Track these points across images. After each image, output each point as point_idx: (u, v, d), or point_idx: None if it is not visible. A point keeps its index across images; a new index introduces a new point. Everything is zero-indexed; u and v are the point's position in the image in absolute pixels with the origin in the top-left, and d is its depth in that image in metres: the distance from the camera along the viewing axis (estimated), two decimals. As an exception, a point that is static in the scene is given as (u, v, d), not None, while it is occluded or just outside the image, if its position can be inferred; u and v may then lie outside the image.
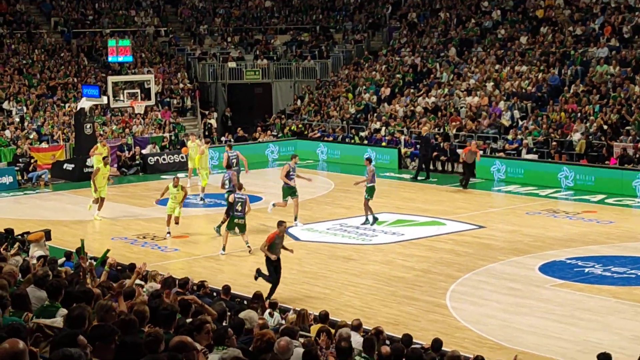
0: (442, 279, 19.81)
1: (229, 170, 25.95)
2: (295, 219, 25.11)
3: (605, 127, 32.73)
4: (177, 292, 13.75)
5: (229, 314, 11.96)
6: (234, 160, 27.50)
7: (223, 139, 40.50)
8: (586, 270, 20.32)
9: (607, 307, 17.61)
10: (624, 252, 21.79)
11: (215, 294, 16.15)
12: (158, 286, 13.84)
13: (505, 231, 24.40)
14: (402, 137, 37.44)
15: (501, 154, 34.06)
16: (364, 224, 24.89)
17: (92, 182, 26.48)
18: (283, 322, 14.19)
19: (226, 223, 22.62)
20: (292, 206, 25.14)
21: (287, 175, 25.09)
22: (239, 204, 21.93)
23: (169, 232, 24.22)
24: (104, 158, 27.68)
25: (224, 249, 22.28)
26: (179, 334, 8.04)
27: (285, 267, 21.15)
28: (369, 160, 25.88)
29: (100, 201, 26.65)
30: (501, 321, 16.82)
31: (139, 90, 34.85)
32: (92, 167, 29.66)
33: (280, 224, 18.83)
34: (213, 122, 42.76)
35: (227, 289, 15.09)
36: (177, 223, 24.08)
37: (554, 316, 17.14)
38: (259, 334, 8.73)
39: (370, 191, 24.81)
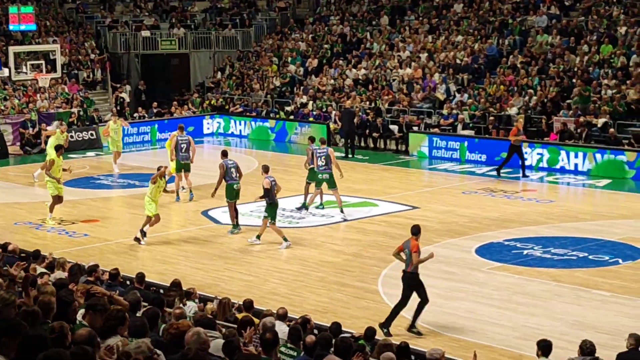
0: (374, 263, 19.93)
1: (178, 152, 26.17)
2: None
3: (545, 100, 33.24)
4: (86, 280, 13.58)
5: (145, 304, 11.85)
6: (184, 146, 26.58)
7: (136, 114, 40.08)
8: (525, 252, 20.65)
9: (547, 290, 17.93)
10: (565, 233, 22.19)
11: (128, 282, 16.01)
12: (65, 275, 13.65)
13: (440, 212, 24.65)
14: (333, 113, 37.50)
15: (436, 129, 34.37)
16: (301, 208, 24.93)
17: (48, 178, 23.66)
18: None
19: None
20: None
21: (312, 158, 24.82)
22: (232, 168, 22.57)
23: (139, 239, 21.77)
24: (58, 148, 24.72)
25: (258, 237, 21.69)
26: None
27: (205, 252, 21.13)
28: (312, 139, 25.85)
29: (56, 201, 23.86)
30: (436, 307, 16.97)
31: (43, 62, 34.28)
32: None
33: (417, 230, 16.08)
34: (125, 96, 42.27)
35: (140, 277, 14.96)
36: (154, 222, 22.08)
37: (491, 301, 17.38)
38: (173, 325, 8.67)
39: (311, 174, 24.78)
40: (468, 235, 22.12)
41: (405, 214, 24.42)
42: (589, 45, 35.44)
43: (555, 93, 33.44)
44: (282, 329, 11.82)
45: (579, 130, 31.07)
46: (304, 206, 24.80)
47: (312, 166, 24.62)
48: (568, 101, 32.96)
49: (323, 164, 24.08)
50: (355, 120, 34.95)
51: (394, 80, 38.69)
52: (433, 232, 22.36)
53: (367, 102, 37.64)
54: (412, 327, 15.65)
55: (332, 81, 40.21)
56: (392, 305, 17.10)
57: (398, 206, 25.40)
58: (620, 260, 19.76)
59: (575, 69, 34.45)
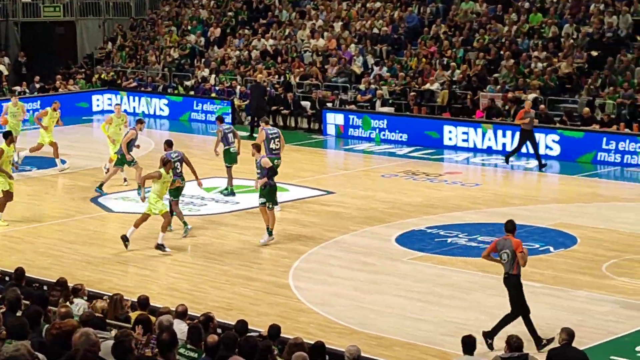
0: (285, 255, 19.92)
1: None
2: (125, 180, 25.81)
3: (470, 74, 33.60)
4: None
5: (26, 302, 11.64)
6: (230, 135, 24.99)
7: (16, 89, 39.33)
8: (449, 240, 20.86)
9: (473, 282, 18.13)
10: (491, 219, 22.46)
11: (7, 278, 15.71)
12: None
13: (358, 197, 24.75)
14: (237, 87, 37.33)
15: (352, 106, 34.47)
16: (224, 193, 24.74)
17: None
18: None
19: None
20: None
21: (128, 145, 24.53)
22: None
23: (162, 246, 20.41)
24: (7, 136, 22.92)
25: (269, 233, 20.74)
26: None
27: (95, 245, 20.87)
28: (220, 119, 25.64)
29: (5, 197, 22.38)
30: (352, 301, 17.06)
31: None
32: None
33: (513, 227, 15.60)
34: (3, 69, 41.45)
35: (20, 272, 14.67)
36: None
37: (412, 294, 17.51)
38: (56, 325, 8.52)
39: (227, 156, 24.61)
40: (388, 223, 22.24)
41: (319, 200, 24.46)
42: (517, 13, 35.91)
43: (481, 66, 33.81)
44: (181, 328, 11.72)
45: (507, 107, 31.48)
46: (231, 192, 24.73)
47: (227, 147, 24.55)
48: (495, 75, 33.37)
49: (277, 147, 23.48)
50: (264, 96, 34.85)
51: (305, 51, 38.66)
52: (350, 220, 22.44)
53: (276, 76, 37.55)
54: (490, 337, 14.93)
55: (236, 52, 40.01)
56: (304, 300, 17.13)
57: (311, 191, 25.43)
58: (551, 249, 20.09)
59: (503, 40, 34.88)
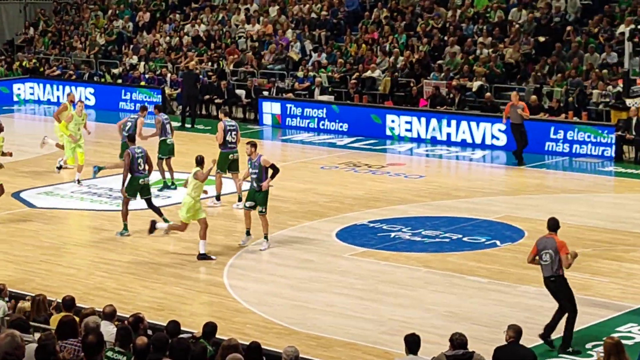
0: (219, 252, 19.86)
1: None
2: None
3: (413, 61, 33.73)
4: None
5: None
6: (167, 125, 24.90)
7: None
8: (392, 235, 20.93)
9: (417, 278, 18.22)
10: (436, 212, 22.60)
11: None
12: None
13: (296, 190, 24.75)
14: (168, 75, 37.13)
15: (290, 94, 34.45)
16: (162, 189, 24.59)
17: None
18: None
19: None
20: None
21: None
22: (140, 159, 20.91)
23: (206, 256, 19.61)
24: None
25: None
26: None
27: (16, 242, 20.66)
28: (159, 108, 25.45)
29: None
30: (290, 300, 17.05)
31: None
32: None
33: (557, 225, 15.32)
34: None
35: None
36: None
37: (354, 292, 17.54)
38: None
39: (163, 147, 24.44)
40: (328, 217, 22.28)
41: (254, 193, 24.40)
42: (462, -3, 36.13)
43: (425, 53, 33.96)
44: (108, 330, 11.65)
45: (451, 95, 31.67)
46: (168, 186, 24.61)
47: (164, 138, 24.47)
48: (439, 62, 33.54)
49: (233, 140, 23.23)
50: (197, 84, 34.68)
51: (240, 37, 38.55)
52: (288, 214, 22.44)
53: (209, 64, 37.41)
54: (567, 347, 14.78)
55: (167, 38, 39.78)
56: (240, 299, 17.11)
57: (246, 184, 25.33)
58: (498, 242, 20.24)
59: (447, 25, 35.07)
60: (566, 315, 14.89)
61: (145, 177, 21.03)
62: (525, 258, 18.85)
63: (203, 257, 19.32)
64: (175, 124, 29.99)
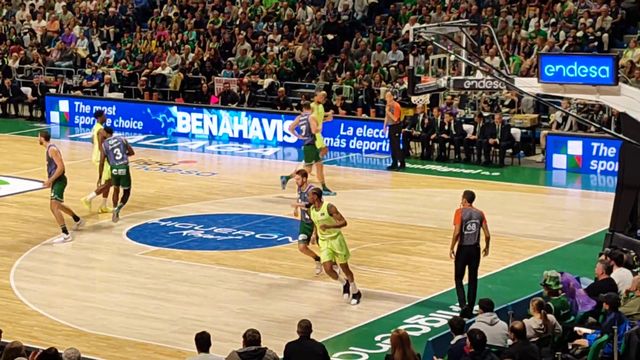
0: (5, 253, 19.44)
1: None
2: None
3: (203, 58, 33.70)
4: None
5: None
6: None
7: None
8: (184, 233, 20.90)
9: (210, 276, 18.25)
10: (229, 209, 22.68)
11: None
12: None
13: (85, 189, 24.31)
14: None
15: (78, 92, 33.89)
16: None
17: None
18: None
19: None
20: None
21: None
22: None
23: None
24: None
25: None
26: None
27: None
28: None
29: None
30: (80, 301, 16.82)
31: None
32: None
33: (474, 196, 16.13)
34: None
35: None
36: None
37: (145, 291, 17.45)
38: None
39: None
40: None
41: (42, 193, 23.83)
42: (250, -5, 36.32)
43: (215, 50, 33.99)
44: None
45: (242, 92, 31.79)
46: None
47: None
48: (230, 59, 33.62)
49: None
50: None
51: (25, 34, 37.71)
52: (78, 213, 22.04)
53: (-7, 60, 36.47)
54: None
55: (-52, 34, 38.54)
56: (27, 301, 16.77)
57: (33, 183, 24.81)
58: (290, 239, 20.46)
59: (238, 22, 35.18)
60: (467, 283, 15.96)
61: (121, 168, 20.95)
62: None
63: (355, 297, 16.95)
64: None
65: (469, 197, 16.11)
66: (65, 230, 20.11)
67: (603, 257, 15.48)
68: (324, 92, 28.08)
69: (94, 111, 29.90)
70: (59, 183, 20.21)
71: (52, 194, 20.07)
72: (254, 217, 22.05)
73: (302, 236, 17.76)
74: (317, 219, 16.40)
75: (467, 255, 15.93)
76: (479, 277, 16.30)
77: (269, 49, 33.57)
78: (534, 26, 31.09)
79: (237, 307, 16.65)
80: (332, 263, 16.60)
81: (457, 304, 16.22)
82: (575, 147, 26.41)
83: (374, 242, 20.10)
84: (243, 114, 30.54)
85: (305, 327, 12.04)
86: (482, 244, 16.01)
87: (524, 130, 27.90)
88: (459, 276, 16.03)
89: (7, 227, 21.12)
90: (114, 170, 21.30)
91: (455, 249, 15.96)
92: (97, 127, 22.74)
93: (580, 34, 30.30)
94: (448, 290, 16.96)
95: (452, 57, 20.45)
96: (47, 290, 17.47)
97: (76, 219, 20.77)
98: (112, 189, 21.86)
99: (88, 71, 34.67)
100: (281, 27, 34.33)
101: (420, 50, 19.89)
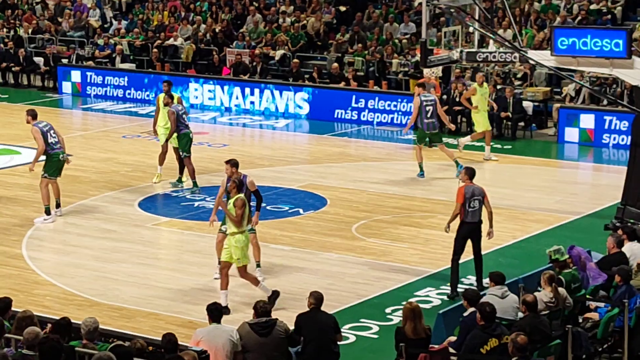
0: (17, 222, 19.48)
1: None
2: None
3: (216, 29, 33.66)
4: None
5: None
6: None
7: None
8: (196, 204, 20.92)
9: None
10: (240, 181, 22.67)
11: None
12: None
13: (97, 160, 24.44)
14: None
15: (90, 62, 33.89)
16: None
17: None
18: None
19: None
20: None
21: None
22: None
23: None
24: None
25: None
26: None
27: None
28: None
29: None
30: (92, 272, 16.87)
31: None
32: None
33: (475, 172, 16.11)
34: None
35: None
36: None
37: (157, 262, 17.54)
38: None
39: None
40: (131, 187, 22.10)
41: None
42: (263, -35, 36.22)
43: (227, 21, 33.93)
44: None
45: (254, 64, 31.74)
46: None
47: None
48: (242, 30, 33.56)
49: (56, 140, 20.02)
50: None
51: (37, 3, 37.68)
52: (89, 184, 22.15)
53: (5, 30, 36.44)
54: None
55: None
56: (39, 271, 16.83)
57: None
58: (301, 211, 20.49)
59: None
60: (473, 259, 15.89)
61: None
62: (328, 226, 19.23)
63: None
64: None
65: (470, 173, 15.99)
66: (47, 211, 19.51)
67: (612, 230, 15.48)
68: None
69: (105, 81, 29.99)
70: (48, 161, 19.53)
71: (42, 172, 19.54)
72: (265, 189, 21.96)
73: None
74: (229, 208, 15.49)
75: (469, 231, 15.81)
76: (490, 250, 16.30)
77: (280, 20, 33.49)
78: (546, -1, 31.01)
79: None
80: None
81: (455, 291, 15.78)
82: (587, 121, 26.33)
83: (384, 215, 20.11)
84: (255, 85, 30.47)
85: (316, 299, 12.08)
86: (485, 222, 15.90)
87: (536, 104, 27.84)
88: (457, 253, 15.80)
89: (20, 197, 21.17)
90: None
91: (456, 226, 15.85)
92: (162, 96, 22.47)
93: (593, 7, 30.18)
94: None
95: (468, 29, 20.31)
96: (60, 260, 17.53)
97: (57, 206, 19.74)
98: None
99: (100, 42, 34.64)
100: (293, -1, 34.28)
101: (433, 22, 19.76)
